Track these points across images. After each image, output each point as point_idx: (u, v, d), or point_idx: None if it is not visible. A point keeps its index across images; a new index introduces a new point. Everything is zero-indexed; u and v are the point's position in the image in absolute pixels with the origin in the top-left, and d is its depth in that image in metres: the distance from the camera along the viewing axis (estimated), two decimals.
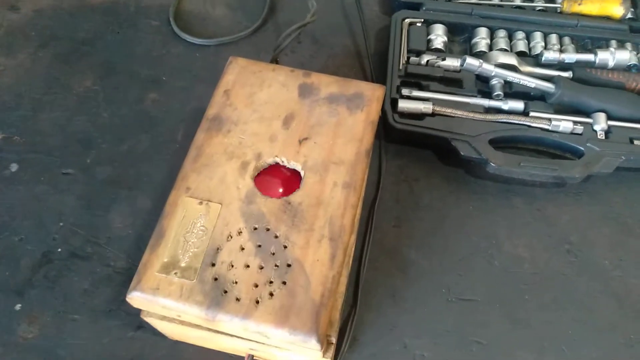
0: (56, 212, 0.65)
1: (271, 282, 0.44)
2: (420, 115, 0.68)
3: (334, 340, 0.48)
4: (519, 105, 0.69)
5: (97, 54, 0.79)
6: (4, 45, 0.79)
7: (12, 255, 0.62)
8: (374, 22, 0.83)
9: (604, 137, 0.68)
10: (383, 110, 0.67)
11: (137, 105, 0.74)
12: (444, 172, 0.69)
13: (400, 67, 0.72)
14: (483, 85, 0.72)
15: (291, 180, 0.52)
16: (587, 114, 0.69)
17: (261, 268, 0.45)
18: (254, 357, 0.52)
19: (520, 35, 0.77)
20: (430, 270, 0.63)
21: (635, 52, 0.74)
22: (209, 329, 0.46)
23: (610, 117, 0.68)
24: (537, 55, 0.75)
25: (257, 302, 0.44)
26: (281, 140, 0.53)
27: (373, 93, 0.57)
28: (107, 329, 0.58)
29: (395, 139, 0.71)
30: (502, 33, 0.77)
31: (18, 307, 0.59)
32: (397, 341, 0.59)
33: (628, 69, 0.73)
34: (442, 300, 0.61)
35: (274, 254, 0.46)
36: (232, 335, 0.46)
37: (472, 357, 0.58)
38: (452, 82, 0.72)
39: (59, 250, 0.62)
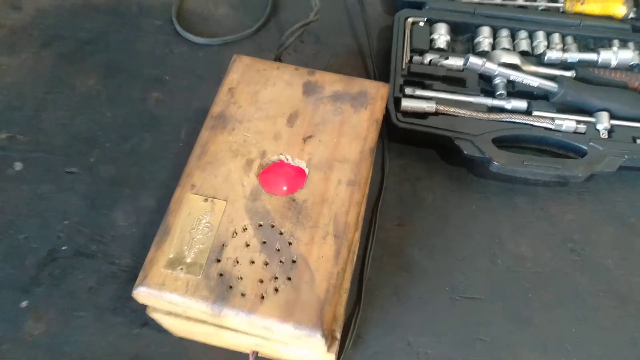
0: (60, 211, 0.65)
1: (276, 278, 0.45)
2: (423, 114, 0.69)
3: (338, 335, 0.48)
4: (522, 104, 0.70)
5: (100, 53, 0.79)
6: (7, 44, 0.79)
7: (18, 254, 0.62)
8: (377, 21, 0.83)
9: (607, 136, 0.68)
10: (386, 109, 0.67)
11: (141, 104, 0.74)
12: (447, 172, 0.70)
13: (403, 67, 0.72)
14: (486, 85, 0.72)
15: (296, 177, 0.52)
16: (590, 113, 0.69)
17: (266, 264, 0.45)
18: (259, 354, 0.52)
19: (523, 34, 0.77)
20: (434, 269, 0.63)
21: (638, 52, 0.74)
22: (215, 325, 0.46)
23: (613, 117, 0.68)
24: (540, 54, 0.75)
25: (262, 297, 0.44)
26: (285, 138, 0.53)
27: (377, 91, 0.57)
28: (112, 325, 0.58)
29: (398, 138, 0.71)
30: (505, 32, 0.77)
31: (24, 304, 0.59)
32: (401, 339, 0.59)
33: (631, 68, 0.74)
34: (446, 299, 0.61)
35: (278, 250, 0.46)
36: (237, 331, 0.46)
37: (475, 354, 0.58)
38: (455, 81, 0.72)
39: (64, 248, 0.63)
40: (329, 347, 0.46)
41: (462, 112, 0.69)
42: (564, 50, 0.75)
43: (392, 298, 0.61)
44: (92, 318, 0.58)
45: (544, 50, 0.74)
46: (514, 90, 0.71)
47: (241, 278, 0.45)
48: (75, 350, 0.56)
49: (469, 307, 0.61)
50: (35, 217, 0.65)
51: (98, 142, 0.71)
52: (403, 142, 0.71)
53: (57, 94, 0.75)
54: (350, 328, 0.57)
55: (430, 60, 0.73)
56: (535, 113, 0.69)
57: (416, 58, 0.73)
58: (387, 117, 0.67)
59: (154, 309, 0.48)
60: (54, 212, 0.65)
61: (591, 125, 0.68)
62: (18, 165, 0.69)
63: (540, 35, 0.76)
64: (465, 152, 0.66)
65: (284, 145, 0.53)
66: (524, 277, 0.63)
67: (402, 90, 0.70)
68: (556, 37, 0.76)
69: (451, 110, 0.69)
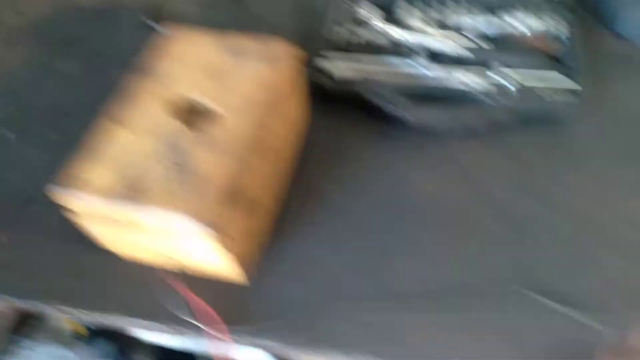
0: (42, 169, 0.77)
1: (181, 184, 0.55)
2: (345, 77, 0.78)
3: (233, 236, 0.57)
4: (433, 65, 0.78)
5: (86, 47, 0.94)
6: (8, 41, 0.96)
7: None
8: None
9: (508, 90, 0.75)
10: (313, 72, 0.78)
11: (116, 84, 0.87)
12: (368, 127, 0.78)
13: (329, 37, 0.83)
14: (403, 50, 0.81)
15: (210, 117, 0.61)
16: (497, 70, 0.78)
17: (174, 174, 0.55)
18: (175, 264, 0.62)
19: (448, 5, 0.86)
20: (350, 207, 0.72)
21: (549, 21, 0.82)
22: (128, 224, 0.56)
23: (516, 72, 0.76)
24: (456, 23, 0.84)
25: (167, 196, 0.54)
26: (205, 87, 0.63)
27: (288, 50, 0.67)
28: (61, 248, 0.70)
29: (323, 98, 0.80)
30: (423, 6, 0.86)
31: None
32: (314, 268, 0.67)
33: (542, 34, 0.81)
34: (358, 232, 0.70)
35: (186, 166, 0.56)
36: (148, 231, 0.57)
37: (382, 279, 0.66)
38: (374, 48, 0.82)
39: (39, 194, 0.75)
40: (227, 249, 0.55)
41: (380, 70, 0.78)
42: (477, 19, 0.83)
43: (308, 230, 0.70)
44: (46, 242, 0.71)
45: (460, 19, 0.83)
46: (430, 54, 0.80)
47: (150, 183, 0.55)
48: (33, 268, 0.69)
49: (378, 238, 0.69)
50: (21, 173, 0.78)
51: (78, 115, 0.84)
52: (328, 102, 0.80)
53: (45, 79, 0.90)
54: (263, 257, 0.67)
55: (354, 31, 0.83)
56: (445, 70, 0.78)
57: (341, 29, 0.84)
58: (313, 80, 0.77)
59: (77, 214, 0.59)
60: (37, 169, 0.77)
61: (495, 79, 0.76)
62: (10, 135, 0.83)
63: (460, 6, 0.85)
64: (381, 108, 0.75)
65: (204, 92, 0.63)
66: (427, 209, 0.71)
67: (325, 56, 0.81)
68: (472, 8, 0.85)
69: (370, 70, 0.78)
